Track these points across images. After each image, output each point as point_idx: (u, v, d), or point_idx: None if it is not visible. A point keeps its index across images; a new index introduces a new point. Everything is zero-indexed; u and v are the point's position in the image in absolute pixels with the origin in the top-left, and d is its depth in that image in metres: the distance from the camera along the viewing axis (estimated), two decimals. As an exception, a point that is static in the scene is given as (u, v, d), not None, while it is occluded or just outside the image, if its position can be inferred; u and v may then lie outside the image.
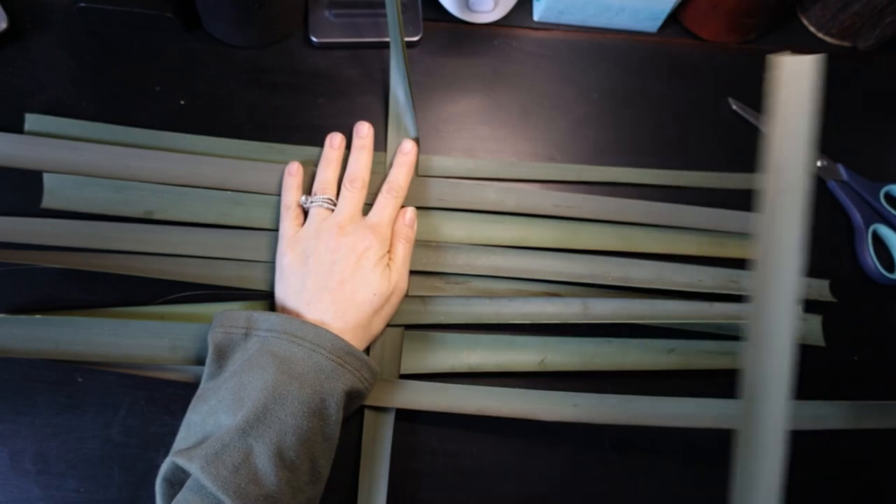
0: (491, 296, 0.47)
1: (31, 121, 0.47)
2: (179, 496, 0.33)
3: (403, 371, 0.45)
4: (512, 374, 0.46)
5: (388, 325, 0.45)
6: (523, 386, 0.45)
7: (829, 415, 0.45)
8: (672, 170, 0.52)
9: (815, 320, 0.50)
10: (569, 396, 0.44)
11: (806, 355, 0.49)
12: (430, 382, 0.45)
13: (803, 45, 0.59)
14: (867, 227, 0.52)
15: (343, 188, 0.45)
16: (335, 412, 0.37)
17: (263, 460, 0.34)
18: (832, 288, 0.51)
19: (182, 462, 0.33)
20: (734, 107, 0.55)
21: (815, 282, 0.51)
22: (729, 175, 0.53)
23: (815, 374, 0.49)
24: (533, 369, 0.45)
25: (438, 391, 0.44)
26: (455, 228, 0.48)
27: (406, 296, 0.46)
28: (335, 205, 0.45)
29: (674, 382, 0.47)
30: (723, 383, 0.47)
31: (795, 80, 0.39)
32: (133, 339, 0.42)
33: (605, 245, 0.49)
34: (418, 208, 0.48)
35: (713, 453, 0.46)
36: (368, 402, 0.44)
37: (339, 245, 0.42)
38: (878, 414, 0.45)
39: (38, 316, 0.42)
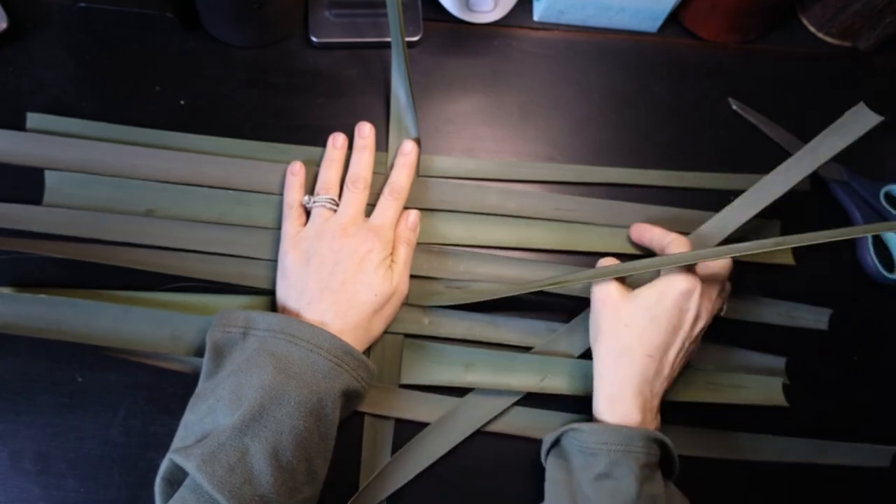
0: (491, 295, 0.47)
1: (33, 119, 0.47)
2: (177, 495, 0.33)
3: (403, 381, 0.45)
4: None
5: (388, 333, 0.45)
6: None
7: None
8: (672, 170, 0.52)
9: (777, 382, 0.47)
10: (561, 416, 0.45)
11: (806, 355, 0.49)
12: (430, 394, 0.45)
13: (803, 45, 0.59)
14: (867, 227, 0.52)
15: (345, 189, 0.45)
16: (332, 412, 0.37)
17: (259, 460, 0.34)
18: (832, 291, 0.51)
19: (179, 460, 0.33)
20: (734, 107, 0.55)
21: (815, 309, 0.50)
22: (729, 176, 0.53)
23: (815, 374, 0.49)
24: (532, 389, 0.45)
25: (438, 403, 0.45)
26: (456, 230, 0.48)
27: (406, 303, 0.46)
28: (338, 205, 0.45)
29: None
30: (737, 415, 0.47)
31: None
32: (135, 326, 0.41)
33: (606, 247, 0.49)
34: (419, 209, 0.48)
35: (712, 461, 0.47)
36: (368, 409, 0.44)
37: (343, 246, 0.42)
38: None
39: (42, 295, 0.42)
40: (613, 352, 0.41)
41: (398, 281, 0.44)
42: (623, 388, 0.40)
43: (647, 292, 0.41)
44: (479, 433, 0.45)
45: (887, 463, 0.48)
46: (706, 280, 0.42)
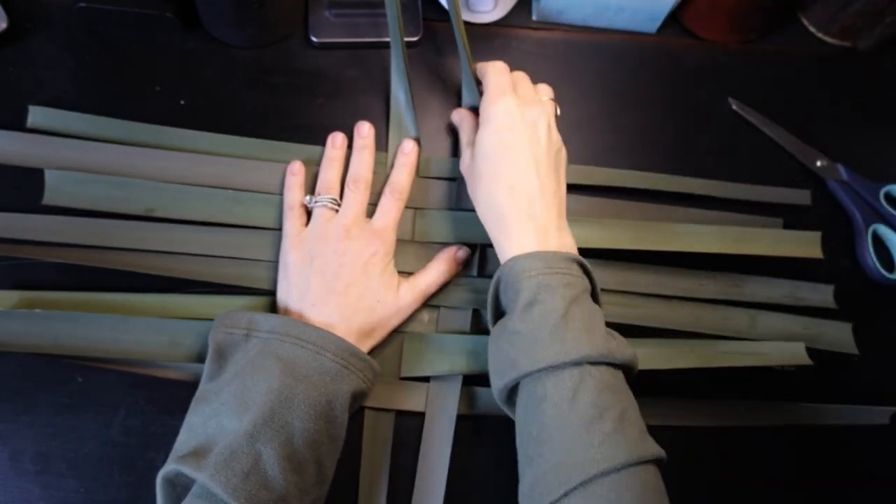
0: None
1: (35, 113, 0.47)
2: (187, 502, 0.33)
3: (403, 374, 0.45)
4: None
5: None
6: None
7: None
8: (672, 172, 0.52)
9: (846, 328, 0.50)
10: None
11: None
12: (431, 384, 0.45)
13: (803, 45, 0.59)
14: (867, 227, 0.52)
15: (346, 189, 0.45)
16: (341, 414, 0.37)
17: (272, 464, 0.34)
18: (835, 292, 0.51)
19: (189, 471, 0.33)
20: (734, 107, 0.55)
21: (820, 287, 0.51)
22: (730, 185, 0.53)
23: (814, 373, 0.49)
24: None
25: (438, 393, 0.45)
26: (457, 231, 0.48)
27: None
28: (339, 205, 0.45)
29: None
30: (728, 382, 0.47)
31: None
32: (133, 335, 0.41)
33: (609, 242, 0.49)
34: (419, 209, 0.48)
35: (705, 451, 0.46)
36: (368, 404, 0.44)
37: (346, 249, 0.42)
38: None
39: (37, 311, 0.42)
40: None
41: (409, 302, 0.44)
42: (516, 221, 0.40)
43: (482, 137, 0.42)
44: (478, 432, 0.45)
45: (886, 420, 0.49)
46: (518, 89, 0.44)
